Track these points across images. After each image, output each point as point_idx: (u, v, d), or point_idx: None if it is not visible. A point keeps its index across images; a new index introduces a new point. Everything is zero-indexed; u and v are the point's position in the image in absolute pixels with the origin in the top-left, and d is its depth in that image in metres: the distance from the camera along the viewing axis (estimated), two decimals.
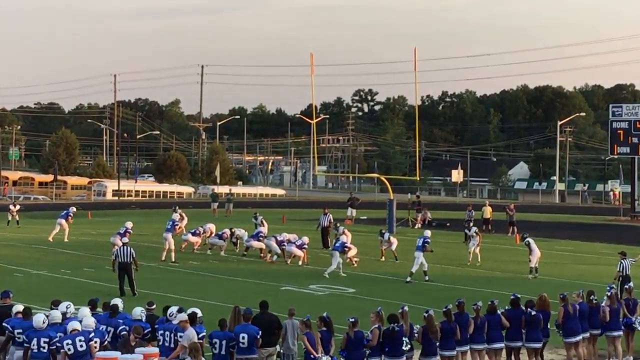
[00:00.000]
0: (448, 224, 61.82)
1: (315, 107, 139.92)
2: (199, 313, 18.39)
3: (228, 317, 18.85)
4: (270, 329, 19.06)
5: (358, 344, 18.32)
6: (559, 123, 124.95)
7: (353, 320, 18.51)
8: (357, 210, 63.36)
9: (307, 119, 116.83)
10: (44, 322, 17.17)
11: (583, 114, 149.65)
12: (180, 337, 17.46)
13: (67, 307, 18.46)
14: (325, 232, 45.32)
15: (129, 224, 39.76)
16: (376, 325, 18.63)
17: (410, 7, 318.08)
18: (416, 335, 19.22)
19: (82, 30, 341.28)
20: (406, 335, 18.77)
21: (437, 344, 19.34)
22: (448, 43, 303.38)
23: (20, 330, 17.49)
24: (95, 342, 16.83)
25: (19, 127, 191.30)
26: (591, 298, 21.98)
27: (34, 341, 16.95)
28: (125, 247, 31.14)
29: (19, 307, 18.25)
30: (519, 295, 21.48)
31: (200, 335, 17.62)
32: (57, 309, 18.38)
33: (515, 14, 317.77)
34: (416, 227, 58.18)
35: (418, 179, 70.82)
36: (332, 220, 45.56)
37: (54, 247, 42.70)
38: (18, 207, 55.73)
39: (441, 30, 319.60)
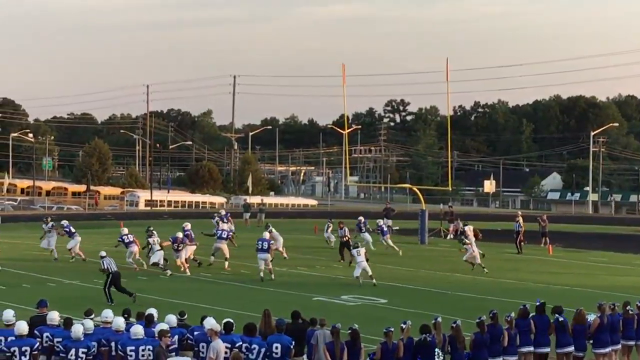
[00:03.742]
0: (481, 235, 61.56)
1: (347, 117, 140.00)
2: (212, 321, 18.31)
3: (259, 322, 18.90)
4: (302, 339, 19.06)
5: (391, 355, 18.27)
6: (592, 133, 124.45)
7: (385, 330, 18.47)
8: (392, 221, 63.15)
9: (339, 130, 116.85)
10: (82, 333, 17.24)
11: (616, 124, 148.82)
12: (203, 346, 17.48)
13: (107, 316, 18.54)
14: (343, 245, 44.51)
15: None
16: (383, 340, 18.58)
17: (442, 17, 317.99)
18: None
19: (115, 42, 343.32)
20: (439, 346, 18.67)
21: (468, 354, 19.23)
22: (480, 53, 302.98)
23: (60, 339, 17.53)
24: (144, 350, 16.94)
25: (53, 137, 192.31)
26: (627, 309, 21.80)
27: (72, 351, 16.99)
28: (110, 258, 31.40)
29: (55, 316, 18.27)
30: (543, 301, 21.36)
31: (237, 345, 17.57)
32: (89, 319, 18.45)
33: (548, 24, 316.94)
34: (448, 237, 57.96)
35: (450, 189, 70.78)
36: (348, 234, 44.92)
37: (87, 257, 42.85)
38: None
39: (473, 40, 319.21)
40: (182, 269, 38.20)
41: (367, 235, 48.47)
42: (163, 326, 17.63)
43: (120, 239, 39.99)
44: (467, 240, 43.40)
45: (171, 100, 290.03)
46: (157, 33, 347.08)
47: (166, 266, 38.01)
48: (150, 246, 38.90)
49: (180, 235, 38.67)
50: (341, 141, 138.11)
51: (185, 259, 39.17)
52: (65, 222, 43.96)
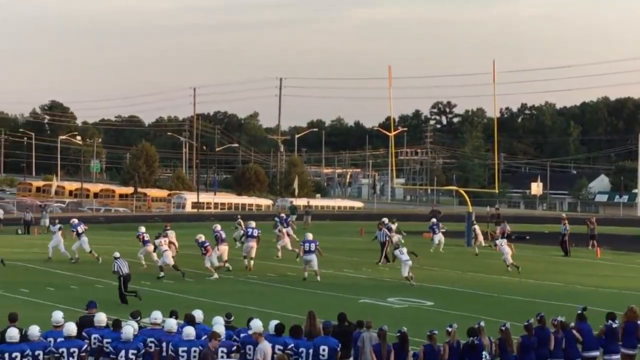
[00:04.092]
0: (527, 237, 61.26)
1: (394, 119, 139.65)
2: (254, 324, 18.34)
3: (303, 323, 18.93)
4: (349, 341, 19.05)
5: (435, 358, 18.23)
6: None
7: (429, 333, 18.45)
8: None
9: (385, 132, 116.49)
10: (133, 334, 17.36)
11: None
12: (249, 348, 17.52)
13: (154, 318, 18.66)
14: (383, 247, 44.41)
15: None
16: (447, 340, 18.54)
17: (488, 19, 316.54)
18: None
19: (162, 44, 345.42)
20: (486, 349, 18.59)
21: (515, 357, 19.14)
22: (527, 55, 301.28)
23: (109, 340, 17.64)
24: (195, 351, 17.06)
25: (100, 140, 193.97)
26: None
27: (122, 352, 17.10)
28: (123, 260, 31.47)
29: (102, 317, 18.37)
30: (585, 307, 21.21)
31: (289, 347, 17.60)
32: (135, 320, 18.57)
33: (596, 25, 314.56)
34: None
35: (497, 191, 70.39)
36: (389, 235, 44.77)
37: (135, 258, 43.06)
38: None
39: (520, 42, 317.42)
40: (212, 270, 37.83)
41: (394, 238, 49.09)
42: (219, 329, 17.70)
43: (138, 235, 40.45)
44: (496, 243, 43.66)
45: (218, 103, 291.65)
46: (205, 36, 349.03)
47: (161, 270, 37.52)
48: (157, 247, 38.80)
49: (201, 237, 38.35)
50: (387, 143, 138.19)
51: (224, 261, 39.38)
52: (75, 221, 44.29)
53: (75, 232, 43.00)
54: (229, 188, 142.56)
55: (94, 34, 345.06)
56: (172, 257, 38.13)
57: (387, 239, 44.19)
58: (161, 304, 26.47)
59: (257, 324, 17.79)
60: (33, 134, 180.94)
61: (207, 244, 38.00)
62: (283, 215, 56.82)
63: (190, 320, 18.69)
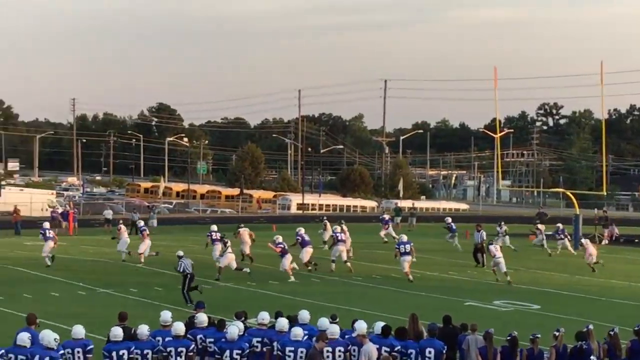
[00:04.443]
0: (636, 240, 60.23)
1: (499, 121, 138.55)
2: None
3: (407, 325, 18.93)
4: (454, 344, 18.99)
5: None
6: None
7: (532, 337, 18.30)
8: (545, 226, 62.24)
9: (490, 133, 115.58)
10: (238, 334, 17.53)
11: None
12: (354, 350, 17.54)
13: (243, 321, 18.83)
14: (478, 250, 43.97)
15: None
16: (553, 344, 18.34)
17: (595, 20, 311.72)
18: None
19: (267, 47, 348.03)
20: (594, 353, 18.34)
21: None
22: (636, 55, 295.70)
23: (212, 340, 17.85)
24: (302, 352, 17.21)
25: (207, 141, 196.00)
26: None
27: (227, 352, 17.28)
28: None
29: (204, 318, 18.59)
30: None
31: (396, 349, 17.61)
32: (240, 321, 18.75)
33: None
34: (603, 243, 56.84)
35: (605, 193, 69.28)
36: (484, 237, 44.33)
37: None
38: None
39: (628, 41, 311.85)
40: (290, 272, 37.71)
41: (506, 239, 49.47)
42: (334, 328, 17.77)
43: (208, 234, 40.80)
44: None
45: (323, 105, 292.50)
46: (310, 38, 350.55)
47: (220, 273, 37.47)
48: (226, 248, 38.80)
49: (278, 238, 38.36)
50: (493, 145, 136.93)
51: (306, 263, 39.65)
52: (141, 223, 44.74)
53: (146, 233, 43.67)
54: (334, 189, 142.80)
55: (201, 37, 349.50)
56: (248, 254, 39.92)
57: (482, 241, 43.81)
58: (267, 304, 26.68)
59: (361, 326, 17.81)
60: (141, 136, 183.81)
61: (283, 245, 38.00)
62: (385, 216, 57.16)
63: (292, 321, 18.86)
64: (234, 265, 37.32)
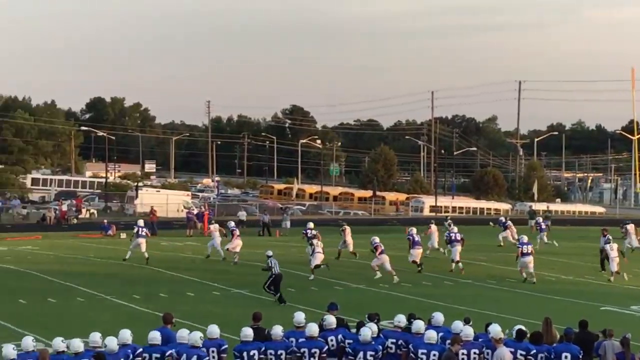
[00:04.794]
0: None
1: (637, 122, 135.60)
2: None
3: (540, 329, 18.69)
4: (590, 349, 18.66)
5: None
6: None
7: None
8: None
9: (628, 135, 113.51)
10: (371, 336, 17.53)
11: None
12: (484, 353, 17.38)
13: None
14: (603, 255, 42.69)
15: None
16: None
17: None
18: None
19: (400, 48, 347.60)
20: None
21: None
22: None
23: (351, 342, 17.83)
24: (435, 355, 17.15)
25: (340, 143, 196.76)
26: None
27: (360, 354, 17.28)
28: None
29: (332, 320, 18.55)
30: None
31: (531, 352, 17.38)
32: (373, 322, 18.73)
33: None
34: None
35: None
36: (610, 241, 43.29)
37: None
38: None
39: None
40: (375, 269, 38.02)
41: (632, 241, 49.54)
42: (468, 330, 17.66)
43: (304, 232, 41.28)
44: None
45: (456, 106, 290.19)
46: (443, 39, 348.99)
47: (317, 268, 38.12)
48: (313, 247, 39.20)
49: (375, 239, 38.48)
50: (631, 147, 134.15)
51: (414, 261, 39.97)
52: (232, 224, 45.51)
53: (236, 233, 44.36)
54: (467, 192, 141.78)
55: (333, 39, 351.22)
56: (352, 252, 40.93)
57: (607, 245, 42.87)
58: (397, 306, 26.66)
59: (495, 329, 17.63)
60: (275, 137, 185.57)
61: (377, 244, 38.14)
62: (502, 218, 57.03)
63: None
64: (318, 262, 38.16)
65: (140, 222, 44.79)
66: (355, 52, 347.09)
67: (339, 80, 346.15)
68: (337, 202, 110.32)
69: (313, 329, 17.57)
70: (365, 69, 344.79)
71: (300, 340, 17.52)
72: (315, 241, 39.36)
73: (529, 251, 37.47)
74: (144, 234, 43.27)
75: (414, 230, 41.72)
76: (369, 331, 17.57)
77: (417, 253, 40.24)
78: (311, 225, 42.54)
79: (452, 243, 41.39)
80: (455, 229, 43.13)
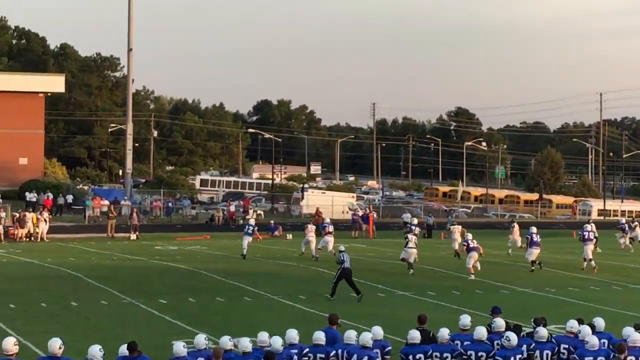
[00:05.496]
0: None
1: None
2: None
3: None
4: None
5: None
6: None
7: None
8: None
9: None
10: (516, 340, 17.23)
11: None
12: None
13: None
14: None
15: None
16: None
17: None
18: None
19: (568, 49, 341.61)
20: None
21: None
22: None
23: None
24: None
25: (505, 146, 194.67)
26: None
27: (512, 358, 17.03)
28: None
29: (501, 323, 18.32)
30: None
31: None
32: (540, 326, 18.44)
33: None
34: None
35: None
36: None
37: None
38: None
39: None
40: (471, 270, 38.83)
41: None
42: (636, 336, 17.20)
43: (464, 242, 41.10)
44: None
45: (626, 108, 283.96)
46: (612, 40, 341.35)
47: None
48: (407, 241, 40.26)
49: (468, 236, 40.18)
50: None
51: (532, 261, 40.80)
52: (327, 220, 48.91)
53: (327, 230, 46.61)
54: (637, 195, 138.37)
55: (500, 40, 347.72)
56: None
57: None
58: (562, 311, 26.22)
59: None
60: (440, 140, 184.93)
61: (469, 243, 39.45)
62: (622, 220, 56.42)
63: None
64: (412, 259, 39.49)
65: (252, 221, 49.34)
66: (523, 53, 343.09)
67: (505, 81, 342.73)
68: (502, 205, 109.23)
69: (481, 332, 17.39)
70: (531, 70, 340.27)
71: (466, 343, 17.39)
72: (410, 236, 40.37)
73: None
74: (250, 232, 46.21)
75: (534, 229, 42.28)
76: (514, 335, 17.21)
77: (534, 252, 41.07)
78: (470, 236, 42.40)
79: (585, 242, 41.94)
80: (588, 227, 43.28)
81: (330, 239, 46.08)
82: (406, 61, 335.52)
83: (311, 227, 47.59)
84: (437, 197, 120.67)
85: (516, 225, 51.15)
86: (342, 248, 33.66)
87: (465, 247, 40.04)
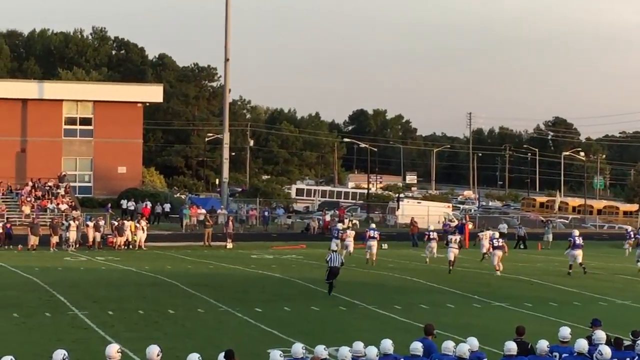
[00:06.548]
0: None
1: None
2: None
3: None
4: None
5: None
6: None
7: None
8: None
9: None
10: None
11: None
12: None
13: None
14: None
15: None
16: None
17: None
18: None
19: None
20: None
21: None
22: None
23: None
24: None
25: (604, 156, 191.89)
26: None
27: None
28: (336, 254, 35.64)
29: (602, 335, 17.92)
30: None
31: None
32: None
33: None
34: None
35: None
36: None
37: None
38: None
39: None
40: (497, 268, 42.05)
41: None
42: None
43: (490, 241, 44.14)
44: None
45: None
46: None
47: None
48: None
49: (495, 234, 43.98)
50: None
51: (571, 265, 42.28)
52: (339, 225, 52.78)
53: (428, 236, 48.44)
54: None
55: (594, 48, 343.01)
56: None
57: None
58: None
59: None
60: (537, 150, 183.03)
61: (494, 242, 42.89)
62: (628, 228, 55.63)
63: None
64: (452, 258, 42.55)
65: (339, 225, 53.89)
66: (621, 62, 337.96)
67: (603, 90, 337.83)
68: (601, 216, 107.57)
69: (582, 344, 17.09)
70: (630, 79, 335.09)
71: (564, 355, 17.14)
72: (450, 236, 44.32)
73: None
74: (336, 234, 49.67)
75: (577, 232, 44.59)
76: (608, 349, 16.83)
77: (577, 253, 42.68)
78: (504, 227, 44.49)
79: (574, 248, 43.22)
80: (576, 233, 44.81)
81: (349, 242, 50.03)
82: (502, 70, 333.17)
83: (349, 233, 51.38)
84: (534, 208, 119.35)
85: None
86: (335, 248, 36.91)
87: (490, 245, 43.24)
